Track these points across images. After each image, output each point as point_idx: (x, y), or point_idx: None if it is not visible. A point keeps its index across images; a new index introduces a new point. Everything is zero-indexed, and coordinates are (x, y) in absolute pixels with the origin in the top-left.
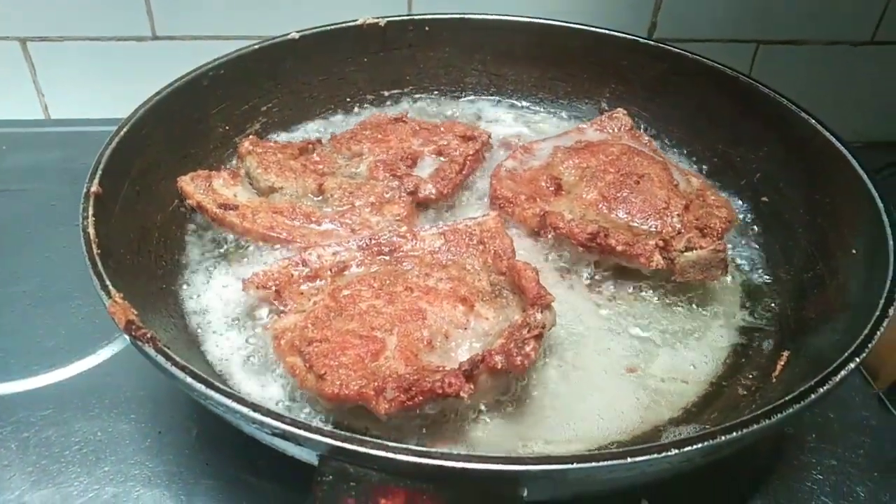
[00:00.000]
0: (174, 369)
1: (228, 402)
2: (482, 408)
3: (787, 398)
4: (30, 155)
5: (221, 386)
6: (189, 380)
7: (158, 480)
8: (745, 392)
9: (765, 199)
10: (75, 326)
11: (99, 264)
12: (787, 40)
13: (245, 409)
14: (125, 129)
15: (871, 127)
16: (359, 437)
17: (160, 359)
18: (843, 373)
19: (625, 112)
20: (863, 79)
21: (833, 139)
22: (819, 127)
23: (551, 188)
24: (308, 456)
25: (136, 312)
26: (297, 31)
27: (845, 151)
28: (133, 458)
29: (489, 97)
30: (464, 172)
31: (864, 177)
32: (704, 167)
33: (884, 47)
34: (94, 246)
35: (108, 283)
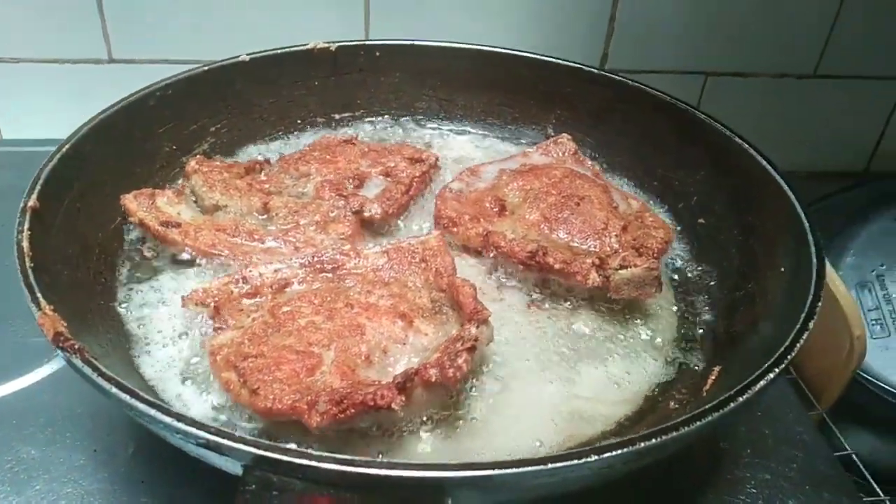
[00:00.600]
0: (100, 380)
1: (153, 412)
2: (420, 423)
3: (706, 406)
4: None
5: (147, 396)
6: (114, 390)
7: (91, 499)
8: (676, 406)
9: (701, 220)
10: (14, 345)
11: (31, 276)
12: (735, 72)
13: (168, 419)
14: (67, 146)
15: (816, 157)
16: (281, 445)
17: (87, 370)
18: (763, 381)
19: (569, 137)
20: (806, 110)
21: (763, 161)
22: (752, 152)
23: (495, 209)
24: (234, 467)
25: (65, 325)
26: (248, 54)
27: (773, 173)
28: (66, 476)
29: (439, 121)
30: (410, 193)
31: (792, 197)
32: (645, 191)
33: (826, 80)
34: (27, 259)
35: (38, 295)
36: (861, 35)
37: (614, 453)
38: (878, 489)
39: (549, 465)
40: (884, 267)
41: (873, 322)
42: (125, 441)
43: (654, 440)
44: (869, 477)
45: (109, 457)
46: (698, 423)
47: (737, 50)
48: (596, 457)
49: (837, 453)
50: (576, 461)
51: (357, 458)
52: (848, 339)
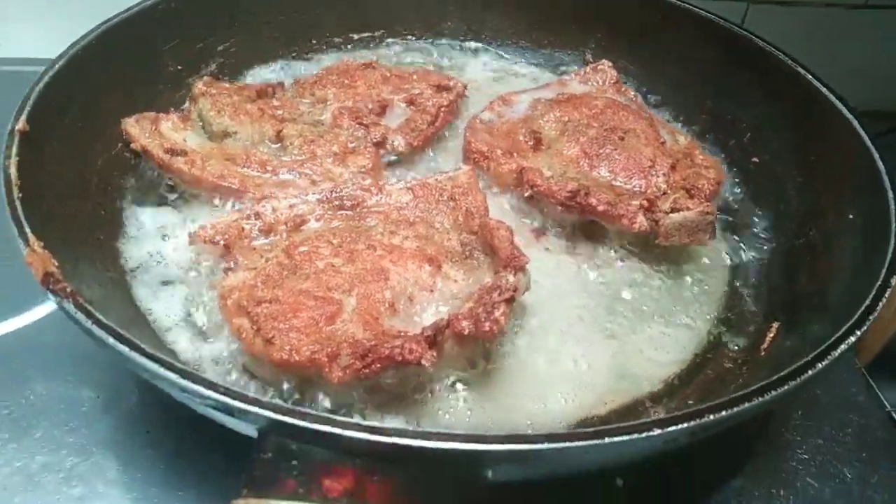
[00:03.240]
0: (94, 328)
1: (153, 366)
2: (447, 380)
3: (780, 374)
4: None
5: (147, 348)
6: (111, 340)
7: (94, 448)
8: (731, 365)
9: (755, 159)
10: (11, 279)
11: (19, 209)
12: (780, 0)
13: (173, 376)
14: (61, 63)
15: (863, 94)
16: (301, 409)
17: (80, 315)
18: (842, 347)
19: (610, 64)
20: (856, 44)
21: (831, 96)
22: (816, 83)
23: (530, 143)
24: (248, 429)
25: (56, 265)
26: None
27: (844, 110)
28: (67, 424)
29: (467, 43)
30: (436, 124)
31: (865, 137)
32: (692, 125)
33: (878, 11)
34: (14, 189)
35: (27, 229)
36: None
37: (680, 426)
38: None
39: (606, 440)
40: None
41: None
42: (129, 387)
43: (723, 412)
44: None
45: (113, 403)
46: (772, 392)
47: None
48: (660, 430)
49: None
50: (636, 435)
51: (388, 426)
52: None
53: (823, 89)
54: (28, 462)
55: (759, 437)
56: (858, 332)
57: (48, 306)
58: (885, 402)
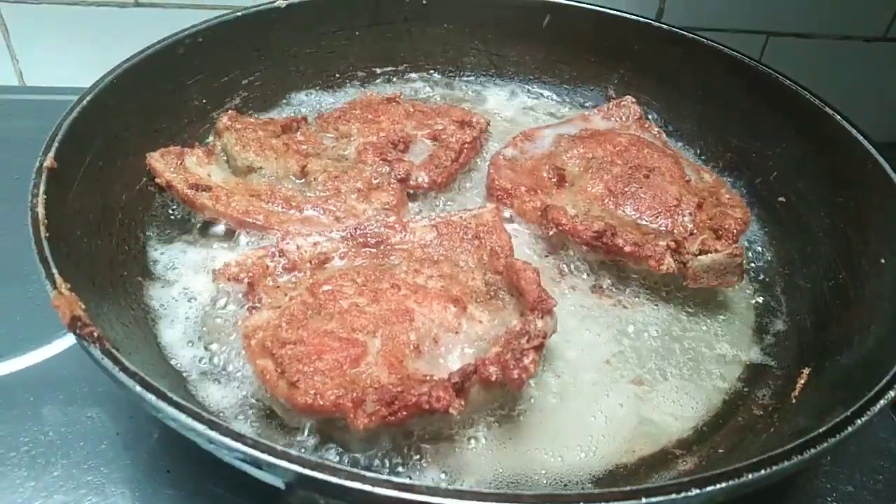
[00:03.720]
0: (122, 375)
1: (182, 416)
2: (473, 426)
3: (820, 431)
4: (0, 122)
5: (174, 397)
6: (138, 389)
7: (113, 488)
8: (760, 412)
9: (781, 199)
10: (31, 313)
11: (46, 249)
12: (798, 33)
13: (201, 427)
14: (88, 98)
15: (884, 127)
16: (330, 464)
17: (106, 362)
18: (881, 403)
19: (634, 100)
20: (874, 76)
21: (860, 137)
22: (844, 123)
23: (554, 179)
24: (275, 481)
25: (83, 307)
26: (284, 0)
27: (873, 151)
28: (87, 462)
29: (489, 78)
30: (460, 160)
31: (895, 178)
32: (717, 162)
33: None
34: (41, 228)
35: (54, 271)
36: None
37: (718, 486)
38: None
39: (644, 500)
40: None
41: None
42: (149, 425)
43: (762, 470)
44: None
45: (132, 441)
46: (813, 449)
47: (801, 8)
48: (698, 490)
49: None
50: (675, 495)
51: (418, 483)
52: None
53: (849, 127)
54: (46, 501)
55: (788, 484)
56: None
57: (67, 340)
58: None
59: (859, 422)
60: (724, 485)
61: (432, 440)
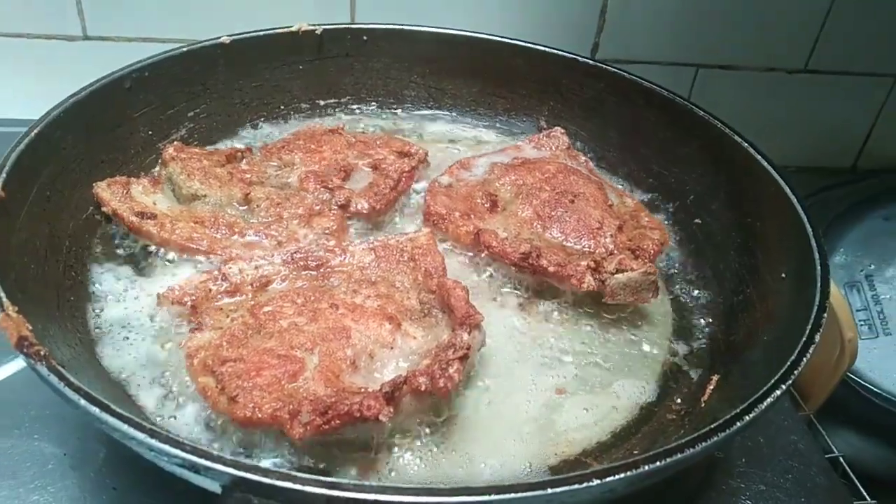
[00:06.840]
0: (67, 390)
1: (124, 426)
2: (407, 435)
3: (712, 426)
4: None
5: (117, 409)
6: (83, 402)
7: None
8: (673, 416)
9: (697, 221)
10: None
11: None
12: (726, 65)
13: (141, 436)
14: (35, 131)
15: (803, 152)
16: (262, 466)
17: (52, 378)
18: (769, 399)
19: (563, 131)
20: (796, 105)
21: (764, 163)
22: (751, 150)
23: (486, 205)
24: (212, 486)
25: (30, 328)
26: (229, 35)
27: (776, 175)
28: (33, 482)
29: (428, 110)
30: (398, 188)
31: (795, 201)
32: (639, 188)
33: (816, 76)
34: None
35: (1, 295)
36: (852, 31)
37: (617, 477)
38: (864, 492)
39: (549, 490)
40: (872, 267)
41: (861, 323)
42: (96, 445)
43: (658, 462)
44: (856, 480)
45: (79, 462)
46: (704, 443)
47: (728, 42)
48: (598, 481)
49: (826, 455)
50: (577, 486)
51: (345, 481)
52: (839, 342)
53: (754, 153)
54: None
55: (704, 485)
56: (784, 387)
57: (14, 364)
58: (834, 448)
59: (747, 418)
60: (622, 475)
61: (364, 449)
